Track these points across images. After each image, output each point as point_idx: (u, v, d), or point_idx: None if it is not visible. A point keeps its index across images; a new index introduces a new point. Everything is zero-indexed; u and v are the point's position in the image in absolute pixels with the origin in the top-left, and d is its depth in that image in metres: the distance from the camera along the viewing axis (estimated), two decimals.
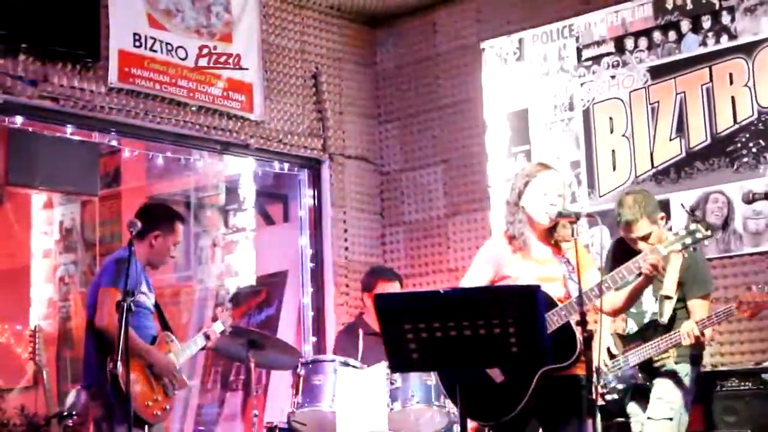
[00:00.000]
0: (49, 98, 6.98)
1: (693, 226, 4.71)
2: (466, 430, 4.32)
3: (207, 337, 6.16)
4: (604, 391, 5.88)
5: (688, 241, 4.72)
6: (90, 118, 7.27)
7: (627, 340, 5.81)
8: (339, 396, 5.87)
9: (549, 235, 4.97)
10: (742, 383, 6.15)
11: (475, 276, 4.99)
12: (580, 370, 4.65)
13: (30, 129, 7.12)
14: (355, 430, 5.69)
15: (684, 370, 5.68)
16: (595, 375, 5.81)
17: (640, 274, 4.84)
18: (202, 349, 6.24)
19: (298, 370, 6.09)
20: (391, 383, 5.88)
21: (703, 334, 5.52)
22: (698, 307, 5.59)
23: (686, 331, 5.47)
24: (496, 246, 5.05)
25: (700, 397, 5.79)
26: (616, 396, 5.86)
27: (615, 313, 5.28)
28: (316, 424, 6.01)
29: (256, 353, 6.36)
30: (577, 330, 4.63)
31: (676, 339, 5.54)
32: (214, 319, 6.31)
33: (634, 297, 4.96)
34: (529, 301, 4.16)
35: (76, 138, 7.34)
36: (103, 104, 7.23)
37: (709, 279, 5.81)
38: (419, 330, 4.13)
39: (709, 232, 4.70)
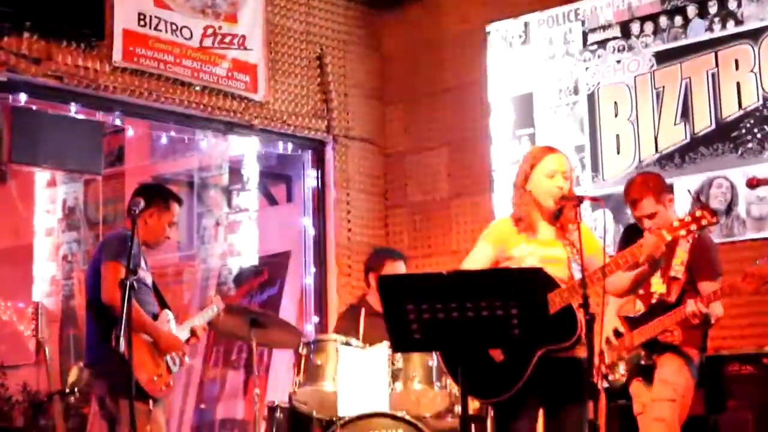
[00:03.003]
0: (53, 77, 6.98)
1: (698, 213, 4.71)
2: (467, 410, 4.34)
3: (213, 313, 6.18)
4: (609, 372, 5.90)
5: (693, 227, 4.73)
6: (94, 96, 7.27)
7: (635, 321, 5.83)
8: (341, 376, 5.88)
9: (555, 217, 4.97)
10: (743, 367, 6.17)
11: (479, 254, 4.99)
12: (582, 352, 4.66)
13: (34, 107, 7.13)
14: (356, 410, 5.71)
15: (689, 352, 5.70)
16: (598, 358, 5.89)
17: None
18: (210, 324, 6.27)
19: (300, 349, 6.10)
20: (393, 363, 5.90)
21: (704, 316, 5.53)
22: (708, 288, 5.60)
23: (691, 310, 5.48)
24: (502, 226, 5.06)
25: (701, 380, 5.80)
26: (620, 377, 5.88)
27: (621, 295, 5.29)
28: (318, 403, 6.02)
29: (258, 332, 6.37)
30: (579, 312, 4.64)
31: (680, 316, 5.55)
32: (207, 304, 6.33)
33: (640, 280, 4.96)
34: (532, 283, 4.17)
35: (80, 117, 7.35)
36: (107, 83, 7.23)
37: (718, 261, 5.83)
38: (422, 311, 4.14)
39: (714, 219, 4.70)
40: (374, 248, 7.66)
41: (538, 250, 4.90)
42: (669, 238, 4.72)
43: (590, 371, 4.58)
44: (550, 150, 5.06)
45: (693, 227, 4.69)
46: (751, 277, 5.45)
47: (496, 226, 5.15)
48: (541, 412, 4.96)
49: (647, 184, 5.74)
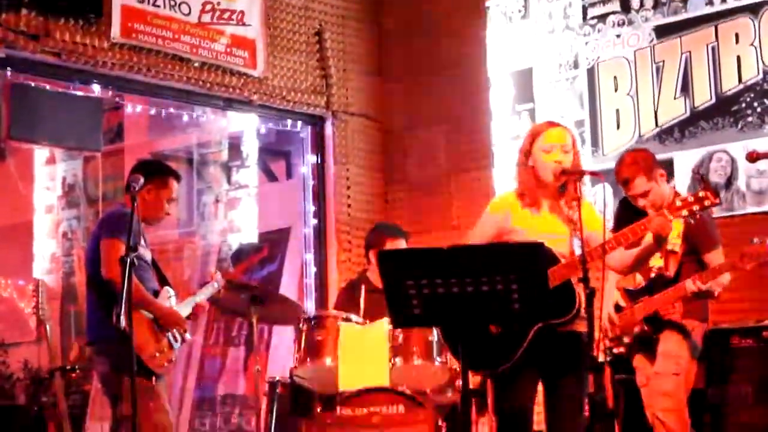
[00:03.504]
0: (51, 53, 6.96)
1: (701, 193, 4.71)
2: (468, 385, 4.36)
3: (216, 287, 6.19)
4: (611, 345, 5.92)
5: (696, 207, 4.72)
6: (92, 73, 7.26)
7: (635, 295, 5.84)
8: (341, 351, 5.89)
9: (558, 192, 4.97)
10: (743, 341, 6.18)
11: (484, 227, 5.00)
12: (582, 327, 4.66)
13: (32, 84, 7.11)
14: (357, 386, 5.72)
15: (691, 325, 5.72)
16: (599, 332, 5.91)
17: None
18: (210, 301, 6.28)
19: (301, 325, 6.10)
20: (393, 339, 5.90)
21: (706, 290, 5.55)
22: (715, 259, 5.60)
23: (691, 289, 5.49)
24: (507, 198, 5.06)
25: (702, 354, 5.82)
26: (623, 350, 5.90)
27: (624, 272, 5.30)
28: (318, 379, 6.03)
29: (259, 309, 6.38)
30: (579, 287, 4.64)
31: (681, 292, 5.56)
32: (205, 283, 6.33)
33: (643, 258, 4.95)
34: (532, 257, 4.18)
35: (79, 93, 7.33)
36: (106, 60, 7.21)
37: (715, 230, 5.85)
38: (421, 286, 4.15)
39: (717, 200, 4.69)
40: (376, 224, 7.64)
41: (541, 226, 4.90)
42: (671, 218, 4.72)
43: (591, 345, 4.59)
44: (551, 124, 5.06)
45: (695, 208, 4.69)
46: (749, 257, 5.46)
47: (500, 199, 5.16)
48: (540, 387, 4.98)
49: (637, 163, 5.72)
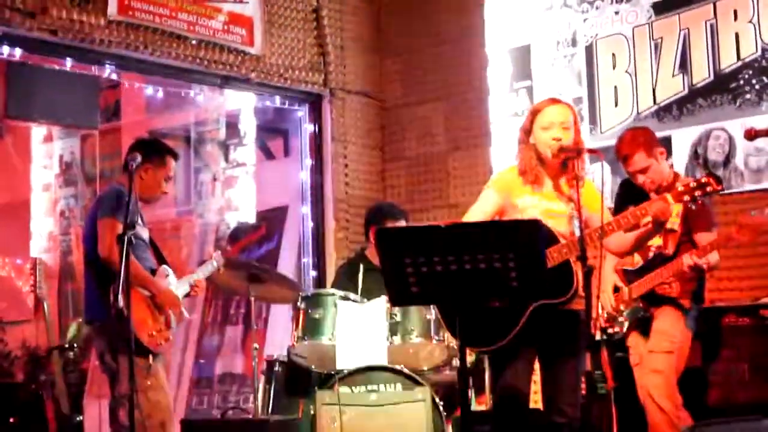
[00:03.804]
0: (47, 31, 6.92)
1: (704, 180, 4.72)
2: (466, 363, 4.37)
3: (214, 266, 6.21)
4: (607, 325, 5.92)
5: (698, 193, 4.73)
6: (89, 51, 7.22)
7: (633, 274, 5.84)
8: (339, 330, 5.90)
9: (560, 170, 4.96)
10: (740, 319, 6.19)
11: (485, 202, 4.98)
12: (579, 306, 4.67)
13: (29, 62, 7.08)
14: (354, 364, 5.73)
15: (687, 304, 5.73)
16: (596, 311, 5.91)
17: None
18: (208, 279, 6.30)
19: (299, 303, 6.11)
20: (391, 317, 5.91)
21: (700, 266, 5.55)
22: (705, 239, 5.61)
23: (688, 263, 5.50)
24: (508, 175, 5.05)
25: (697, 332, 5.83)
26: (618, 328, 5.90)
27: (622, 255, 5.30)
28: (316, 357, 6.04)
29: (257, 287, 6.39)
30: (576, 266, 4.64)
31: (677, 267, 5.57)
32: (207, 259, 6.34)
33: (642, 241, 4.96)
34: (531, 235, 4.18)
35: (76, 71, 7.30)
36: (103, 37, 7.17)
37: (713, 212, 5.85)
38: (419, 264, 4.15)
39: (719, 187, 4.71)
40: (376, 203, 7.63)
41: (542, 203, 4.90)
42: (673, 203, 4.73)
43: (588, 323, 4.60)
44: (551, 101, 5.05)
45: (697, 194, 4.69)
46: (746, 228, 5.46)
47: (502, 175, 5.14)
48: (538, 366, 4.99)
49: (637, 139, 5.76)
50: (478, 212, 4.96)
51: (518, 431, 4.89)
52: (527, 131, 4.98)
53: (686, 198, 4.70)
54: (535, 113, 4.98)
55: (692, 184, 4.71)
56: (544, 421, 4.94)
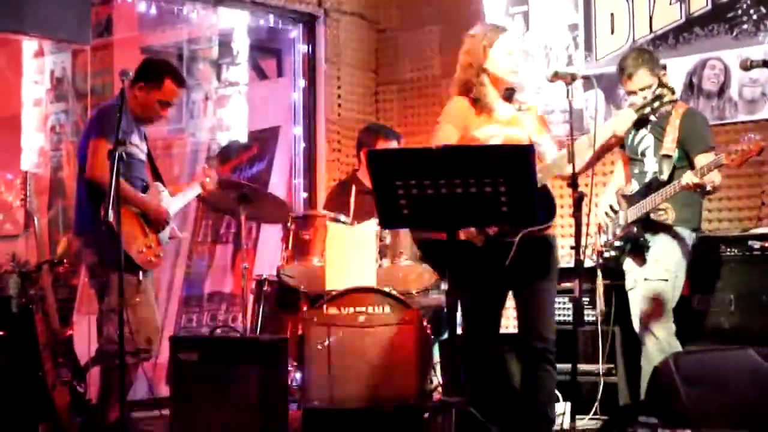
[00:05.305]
0: None
1: (659, 90, 4.92)
2: (453, 286, 4.38)
3: (202, 186, 6.20)
4: (603, 248, 5.96)
5: (656, 104, 4.90)
6: None
7: (629, 199, 5.87)
8: (329, 251, 5.92)
9: (506, 97, 4.99)
10: (729, 249, 6.22)
11: (445, 138, 4.94)
12: (550, 230, 4.73)
13: None
14: (343, 285, 5.75)
15: (683, 232, 5.75)
16: (595, 233, 5.96)
17: None
18: (199, 198, 6.30)
19: (289, 224, 6.12)
20: (381, 240, 5.92)
21: (701, 187, 5.58)
22: (703, 161, 5.62)
23: (686, 182, 5.51)
24: (460, 108, 5.03)
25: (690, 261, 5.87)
26: (613, 253, 5.93)
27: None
28: (305, 278, 6.07)
29: (247, 207, 6.39)
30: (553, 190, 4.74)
31: (672, 190, 5.58)
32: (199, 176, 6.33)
33: (601, 155, 5.10)
34: (522, 160, 4.18)
35: None
36: None
37: (709, 134, 5.87)
38: (410, 186, 4.16)
39: (675, 96, 4.99)
40: (368, 125, 7.61)
41: (502, 131, 4.91)
42: (636, 115, 4.94)
43: (578, 250, 4.61)
44: (502, 29, 5.11)
45: (656, 104, 4.94)
46: (735, 153, 5.46)
47: (455, 107, 5.08)
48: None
49: (642, 57, 5.84)
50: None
51: (488, 357, 4.96)
52: (482, 59, 4.95)
53: (646, 110, 4.94)
54: (492, 39, 4.97)
55: (648, 96, 5.08)
56: (518, 345, 4.99)
